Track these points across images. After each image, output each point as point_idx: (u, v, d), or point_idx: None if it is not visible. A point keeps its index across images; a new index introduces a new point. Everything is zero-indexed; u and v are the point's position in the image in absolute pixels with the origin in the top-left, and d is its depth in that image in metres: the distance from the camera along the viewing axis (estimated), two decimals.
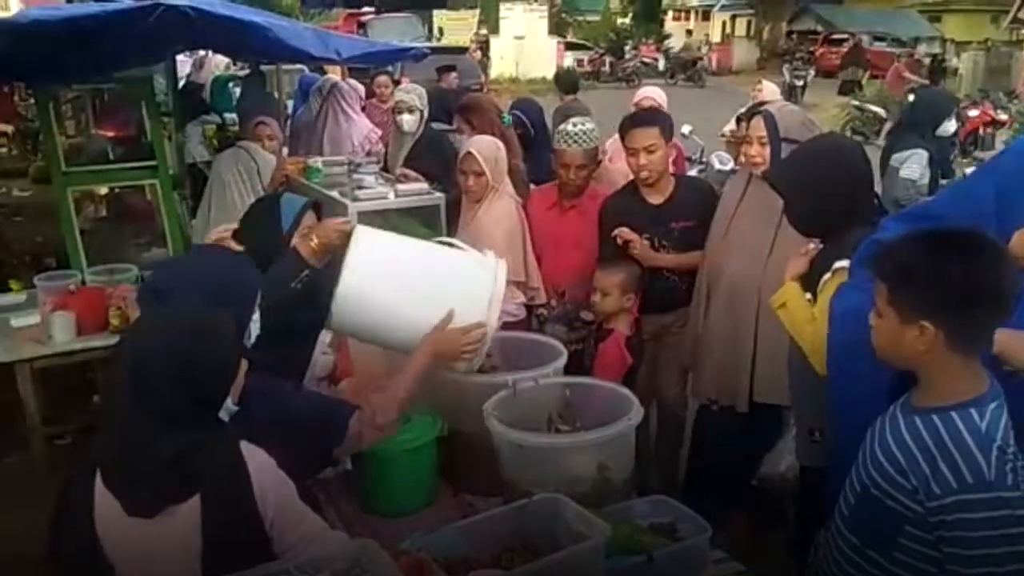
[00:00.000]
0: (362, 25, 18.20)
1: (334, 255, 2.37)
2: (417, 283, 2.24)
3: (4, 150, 8.79)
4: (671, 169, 3.47)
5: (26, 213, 5.85)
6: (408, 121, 4.43)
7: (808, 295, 2.38)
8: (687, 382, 3.47)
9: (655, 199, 3.28)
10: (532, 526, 1.89)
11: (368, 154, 5.42)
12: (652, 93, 4.53)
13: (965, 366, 1.59)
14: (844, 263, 2.27)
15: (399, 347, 2.27)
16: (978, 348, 1.60)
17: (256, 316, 1.94)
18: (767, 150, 2.86)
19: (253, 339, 1.93)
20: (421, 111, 4.46)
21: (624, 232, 3.19)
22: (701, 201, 3.26)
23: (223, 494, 1.63)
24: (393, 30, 17.53)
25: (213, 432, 1.65)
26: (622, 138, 3.28)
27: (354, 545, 1.70)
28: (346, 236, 2.29)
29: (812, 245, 2.47)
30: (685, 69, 25.64)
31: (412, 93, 4.49)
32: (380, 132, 5.77)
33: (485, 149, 3.39)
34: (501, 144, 3.50)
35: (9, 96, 7.09)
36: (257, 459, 1.68)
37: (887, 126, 13.75)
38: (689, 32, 35.51)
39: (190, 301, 1.79)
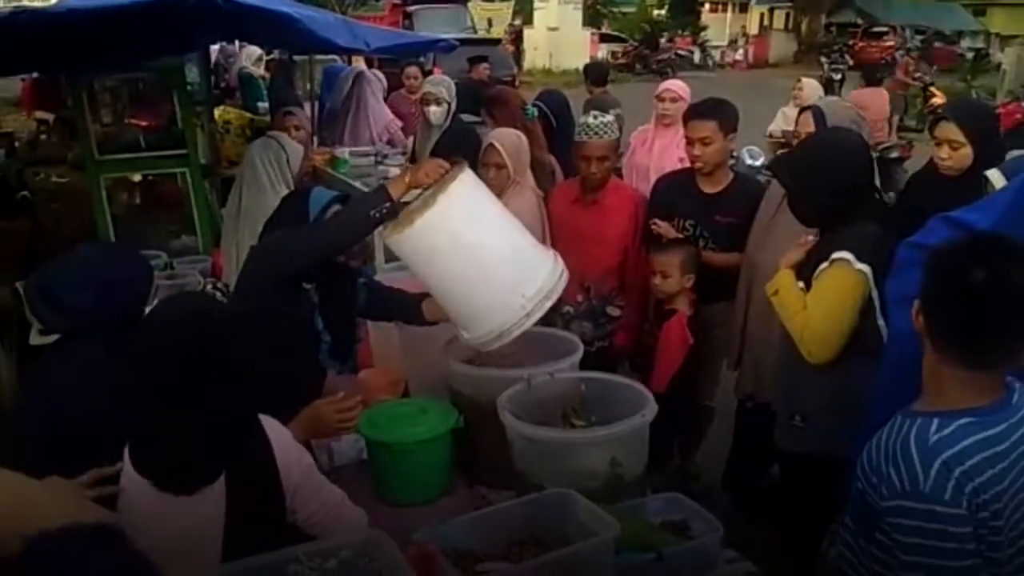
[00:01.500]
0: (408, 16, 18.12)
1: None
2: (493, 241, 2.22)
3: (44, 137, 9.00)
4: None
5: (63, 199, 5.96)
6: (436, 113, 4.44)
7: (801, 284, 2.43)
8: (720, 376, 3.55)
9: (709, 188, 3.32)
10: (542, 520, 1.88)
11: (389, 143, 5.43)
12: (674, 86, 4.47)
13: (965, 379, 1.53)
14: (843, 254, 2.29)
15: (447, 292, 2.26)
16: (973, 361, 1.52)
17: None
18: None
19: None
20: (449, 103, 4.46)
21: (657, 223, 3.27)
22: (752, 200, 3.25)
23: (249, 469, 1.66)
24: (439, 21, 17.43)
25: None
26: (685, 125, 3.34)
27: (362, 535, 1.71)
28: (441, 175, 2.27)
29: (811, 236, 2.52)
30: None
31: (440, 85, 4.49)
32: (400, 123, 5.79)
33: (507, 141, 3.39)
34: (524, 137, 3.50)
35: (54, 84, 7.24)
36: (275, 430, 1.71)
37: (893, 121, 13.86)
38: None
39: (78, 297, 1.87)
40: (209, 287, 3.91)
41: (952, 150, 2.98)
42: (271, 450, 1.69)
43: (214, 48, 9.64)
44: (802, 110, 3.09)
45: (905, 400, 1.65)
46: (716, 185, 3.31)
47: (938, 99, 14.77)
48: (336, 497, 1.84)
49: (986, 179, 2.45)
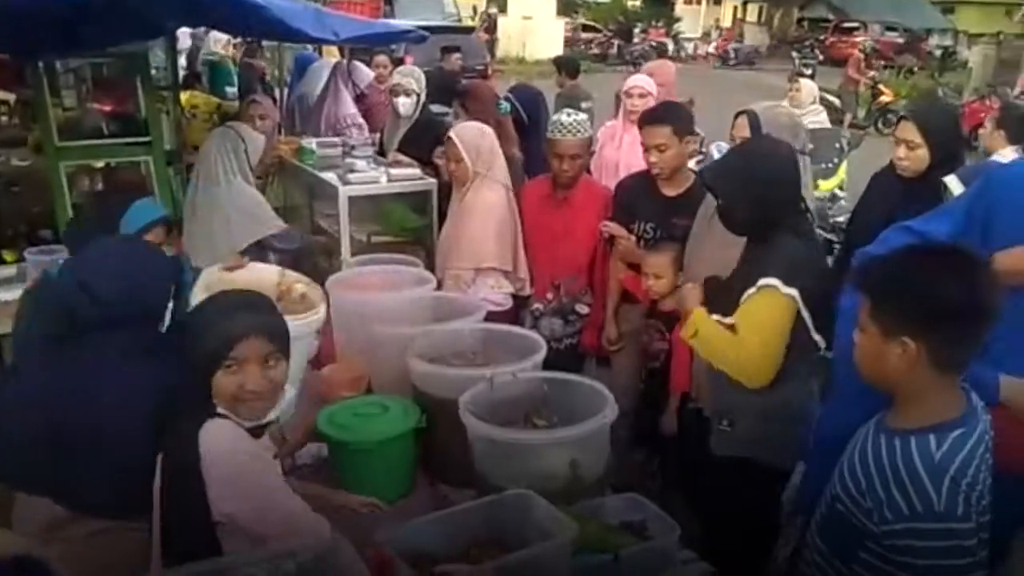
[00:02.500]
0: (389, 2, 17.88)
1: None
2: None
3: (5, 119, 8.76)
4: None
5: (24, 183, 5.82)
6: (404, 104, 4.40)
7: (718, 317, 2.39)
8: None
9: (669, 191, 3.25)
10: (502, 522, 1.89)
11: (337, 134, 5.39)
12: (642, 81, 4.45)
13: (942, 387, 1.57)
14: (770, 280, 2.26)
15: None
16: (959, 367, 1.57)
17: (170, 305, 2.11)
18: None
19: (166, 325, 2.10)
20: (418, 94, 4.43)
21: (610, 227, 3.21)
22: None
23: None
24: (420, 8, 17.19)
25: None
26: (640, 131, 3.26)
27: (321, 539, 1.71)
28: None
29: (690, 287, 2.55)
30: None
31: (410, 76, 4.45)
32: (359, 117, 5.75)
33: (466, 136, 3.38)
34: (488, 131, 3.48)
35: (16, 64, 7.03)
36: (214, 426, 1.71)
37: (847, 118, 14.20)
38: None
39: (112, 288, 1.93)
40: None
41: (909, 150, 3.02)
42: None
43: (186, 31, 9.47)
44: (738, 114, 3.02)
45: (857, 412, 1.68)
46: (676, 188, 3.24)
47: (887, 96, 15.16)
48: (291, 507, 1.76)
49: (944, 185, 2.48)
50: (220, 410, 1.74)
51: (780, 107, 2.95)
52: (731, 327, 2.37)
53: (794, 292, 2.28)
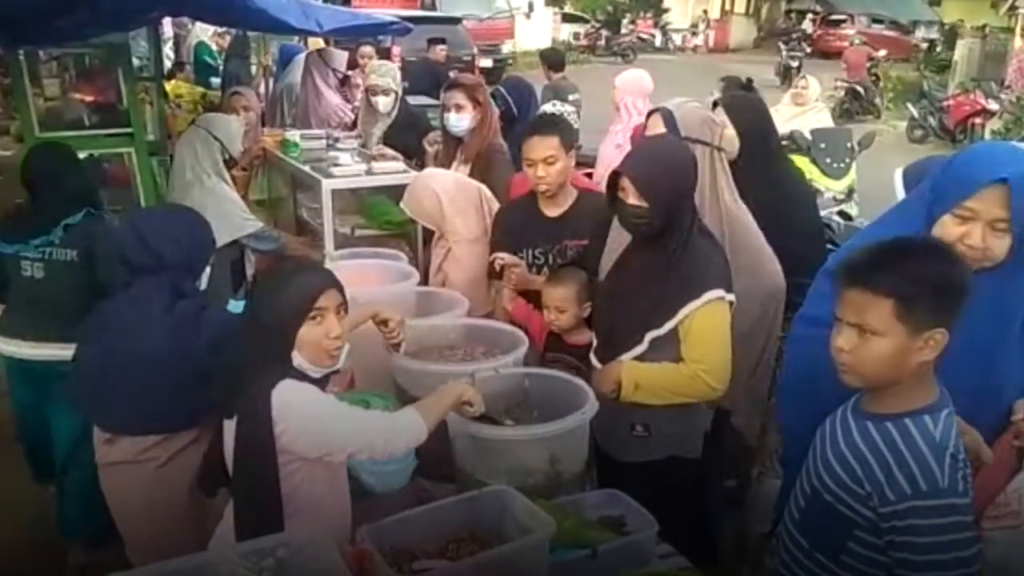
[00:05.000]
0: None
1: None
2: None
3: None
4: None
5: (7, 172, 5.77)
6: (384, 103, 4.46)
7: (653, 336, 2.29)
8: None
9: (552, 211, 2.99)
10: (481, 517, 1.91)
11: (332, 127, 5.38)
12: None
13: (930, 372, 1.61)
14: (716, 292, 2.24)
15: None
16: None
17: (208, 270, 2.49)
18: None
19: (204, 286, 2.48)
20: (396, 91, 4.47)
21: (502, 258, 2.93)
22: (597, 216, 2.77)
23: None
24: (466, 1, 17.15)
25: None
26: (520, 146, 3.00)
27: (299, 535, 1.72)
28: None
29: (599, 371, 2.43)
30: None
31: (387, 76, 4.48)
32: (343, 110, 5.73)
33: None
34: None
35: None
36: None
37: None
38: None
39: (162, 242, 2.30)
40: None
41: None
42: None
43: (168, 20, 9.39)
44: (651, 112, 2.94)
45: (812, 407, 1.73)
46: (559, 207, 2.98)
47: None
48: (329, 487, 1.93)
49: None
50: (295, 365, 1.85)
51: (692, 103, 2.83)
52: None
53: (732, 296, 2.29)
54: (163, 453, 2.33)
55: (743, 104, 3.20)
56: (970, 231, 1.75)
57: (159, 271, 2.31)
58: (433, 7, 16.90)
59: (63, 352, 2.61)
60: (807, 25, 27.56)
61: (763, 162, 2.97)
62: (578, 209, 2.97)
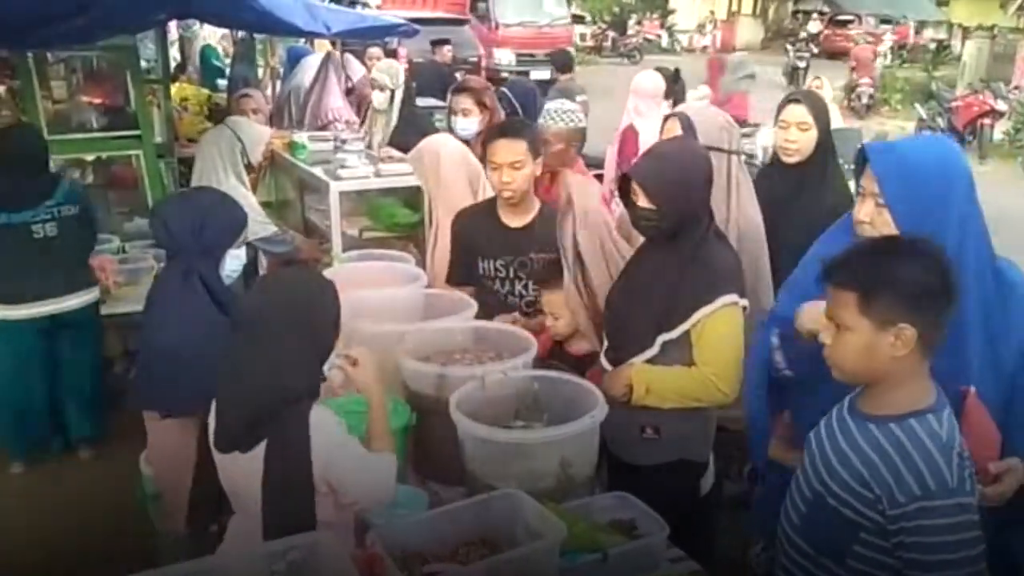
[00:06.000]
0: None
1: None
2: None
3: None
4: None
5: None
6: (377, 98, 4.50)
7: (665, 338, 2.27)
8: None
9: (514, 222, 2.87)
10: (491, 521, 1.90)
11: (323, 127, 5.42)
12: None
13: (923, 372, 1.61)
14: (730, 297, 2.23)
15: None
16: (936, 350, 1.60)
17: (236, 252, 2.59)
18: None
19: (239, 271, 2.71)
20: (392, 90, 4.49)
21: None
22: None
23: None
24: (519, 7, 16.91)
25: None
26: (484, 148, 2.90)
27: (311, 537, 1.71)
28: None
29: (610, 374, 2.38)
30: None
31: (385, 72, 4.55)
32: (346, 111, 5.76)
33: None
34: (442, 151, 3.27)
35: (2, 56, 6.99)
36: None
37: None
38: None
39: (179, 225, 2.40)
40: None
41: (801, 132, 2.94)
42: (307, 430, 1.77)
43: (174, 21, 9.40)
44: (667, 117, 2.91)
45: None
46: (522, 217, 2.85)
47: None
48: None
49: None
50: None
51: (709, 109, 2.84)
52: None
53: (746, 302, 2.28)
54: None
55: (818, 98, 3.17)
56: (859, 207, 1.87)
57: (177, 254, 2.44)
58: (485, 12, 16.73)
59: (68, 302, 3.37)
60: (814, 26, 27.45)
61: (831, 158, 3.02)
62: (542, 221, 2.83)
